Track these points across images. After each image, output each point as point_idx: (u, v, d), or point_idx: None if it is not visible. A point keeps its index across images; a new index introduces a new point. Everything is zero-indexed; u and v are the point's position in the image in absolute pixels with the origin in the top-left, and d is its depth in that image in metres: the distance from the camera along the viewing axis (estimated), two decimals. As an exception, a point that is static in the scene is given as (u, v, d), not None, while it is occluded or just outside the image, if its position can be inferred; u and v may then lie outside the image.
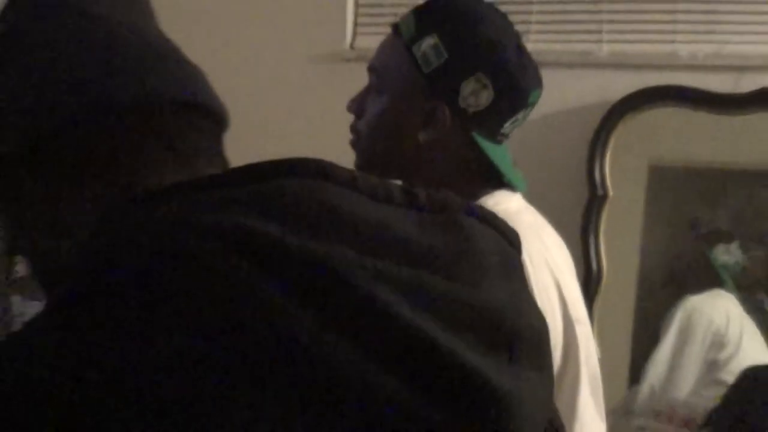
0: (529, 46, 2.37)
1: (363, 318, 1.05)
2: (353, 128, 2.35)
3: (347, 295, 1.05)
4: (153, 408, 1.00)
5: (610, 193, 3.78)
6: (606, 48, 3.80)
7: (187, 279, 1.05)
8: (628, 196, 3.81)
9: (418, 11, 2.29)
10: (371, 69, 2.35)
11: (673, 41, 3.74)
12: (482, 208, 1.24)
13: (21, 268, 1.56)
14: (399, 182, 1.22)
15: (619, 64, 3.77)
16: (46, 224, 1.30)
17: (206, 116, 1.32)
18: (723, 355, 3.55)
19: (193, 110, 1.30)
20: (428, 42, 2.23)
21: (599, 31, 3.79)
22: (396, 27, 2.30)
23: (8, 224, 1.38)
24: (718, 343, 3.59)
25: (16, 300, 3.05)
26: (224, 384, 1.01)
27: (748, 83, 3.59)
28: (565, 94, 3.67)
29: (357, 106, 2.34)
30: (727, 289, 3.68)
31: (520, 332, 1.14)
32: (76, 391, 1.01)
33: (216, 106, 1.33)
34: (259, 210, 1.09)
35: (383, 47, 2.36)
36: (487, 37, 2.23)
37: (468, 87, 2.22)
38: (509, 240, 1.24)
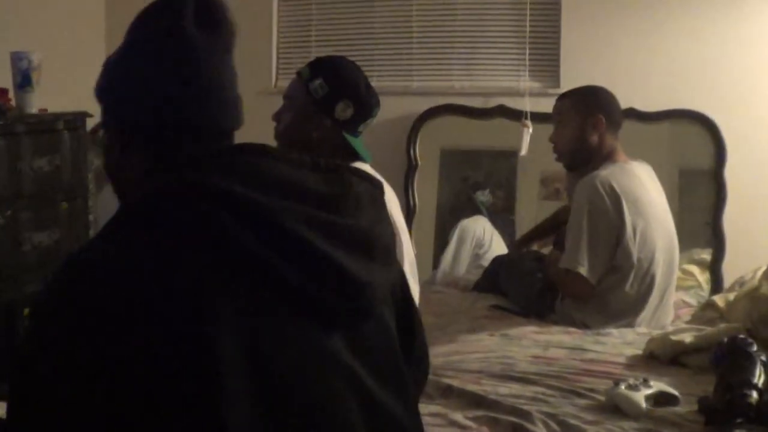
0: (375, 82, 3.20)
1: (288, 242, 1.43)
2: (276, 129, 3.02)
3: (278, 227, 1.42)
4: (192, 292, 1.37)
5: (419, 163, 5.20)
6: (416, 84, 5.29)
7: (187, 215, 1.41)
8: (429, 165, 5.24)
9: (311, 63, 2.98)
10: (285, 97, 3.03)
11: (450, 79, 5.25)
12: (358, 169, 1.62)
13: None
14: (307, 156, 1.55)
15: (422, 92, 5.24)
16: (120, 168, 1.65)
17: (213, 131, 1.60)
18: (482, 251, 4.78)
19: (205, 129, 1.59)
20: (317, 82, 2.90)
21: (411, 74, 5.30)
22: (299, 73, 2.97)
23: (104, 164, 1.72)
24: (479, 244, 4.82)
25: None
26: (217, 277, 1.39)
27: (491, 102, 5.11)
28: (395, 108, 4.84)
29: (277, 117, 3.02)
30: (483, 215, 5.05)
31: (377, 243, 1.53)
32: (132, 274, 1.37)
33: (223, 124, 1.62)
34: (226, 175, 1.45)
35: (292, 84, 3.01)
36: (349, 79, 2.94)
37: (339, 107, 2.90)
38: (375, 186, 1.63)
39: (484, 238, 4.86)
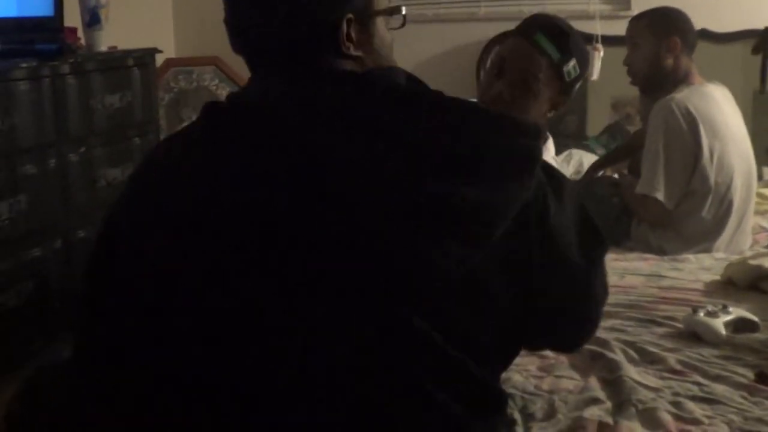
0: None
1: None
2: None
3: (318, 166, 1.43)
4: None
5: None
6: (483, 9, 5.34)
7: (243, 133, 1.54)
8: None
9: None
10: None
11: (519, 3, 5.23)
12: (513, 128, 1.49)
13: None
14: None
15: (489, 18, 5.31)
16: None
17: None
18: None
19: None
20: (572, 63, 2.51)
21: (478, 0, 5.31)
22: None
23: None
24: (577, 170, 4.66)
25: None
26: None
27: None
28: (462, 35, 5.12)
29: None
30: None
31: (457, 214, 1.42)
32: None
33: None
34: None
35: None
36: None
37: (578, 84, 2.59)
38: (520, 148, 1.48)
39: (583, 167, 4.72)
